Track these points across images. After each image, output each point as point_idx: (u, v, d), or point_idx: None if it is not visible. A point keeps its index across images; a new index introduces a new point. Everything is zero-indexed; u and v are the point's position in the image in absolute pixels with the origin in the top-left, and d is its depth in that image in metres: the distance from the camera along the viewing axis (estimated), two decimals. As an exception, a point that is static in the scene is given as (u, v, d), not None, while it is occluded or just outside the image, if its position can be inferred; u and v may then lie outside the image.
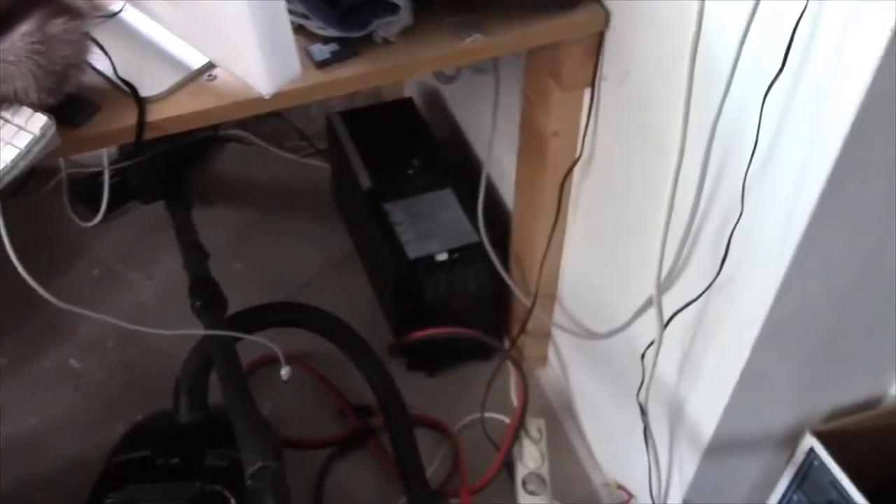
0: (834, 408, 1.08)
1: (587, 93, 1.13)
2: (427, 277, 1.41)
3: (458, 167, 1.59)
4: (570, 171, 1.19)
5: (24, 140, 0.85)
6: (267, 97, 0.85)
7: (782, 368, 0.97)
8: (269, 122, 1.92)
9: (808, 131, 0.75)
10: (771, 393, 1.00)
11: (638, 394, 1.06)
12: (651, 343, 0.98)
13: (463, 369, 1.54)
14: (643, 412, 1.08)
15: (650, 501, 1.22)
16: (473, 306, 1.46)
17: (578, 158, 1.17)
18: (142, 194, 1.79)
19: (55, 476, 1.39)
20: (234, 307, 1.41)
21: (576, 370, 1.43)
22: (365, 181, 1.53)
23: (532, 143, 1.23)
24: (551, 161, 1.20)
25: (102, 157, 1.67)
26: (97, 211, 1.70)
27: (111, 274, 1.69)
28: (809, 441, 1.06)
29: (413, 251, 1.42)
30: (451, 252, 1.42)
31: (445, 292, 1.43)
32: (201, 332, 1.24)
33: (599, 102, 1.11)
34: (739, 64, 0.77)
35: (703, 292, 0.89)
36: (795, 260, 0.82)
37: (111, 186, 1.67)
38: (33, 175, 1.80)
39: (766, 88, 0.75)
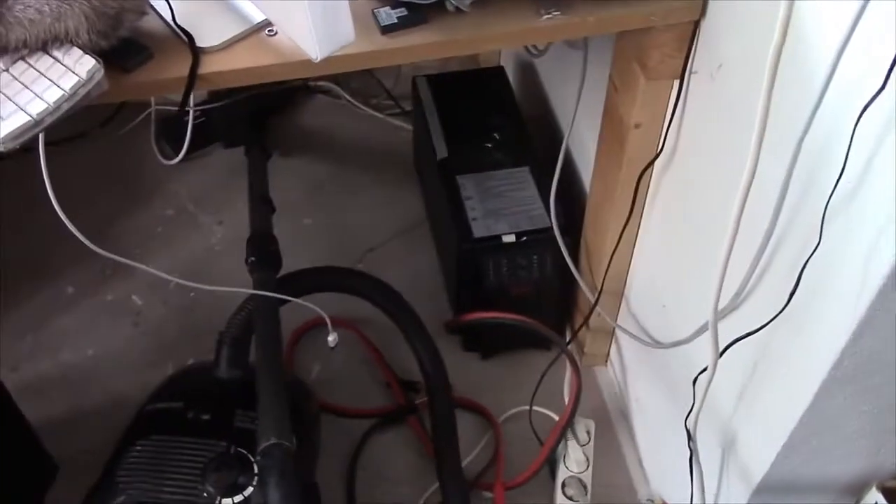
0: (908, 463, 0.98)
1: (675, 85, 1.03)
2: (490, 258, 1.35)
3: (541, 146, 1.52)
4: (648, 166, 1.10)
5: (70, 82, 0.83)
6: (315, 62, 0.80)
7: (851, 416, 0.87)
8: (359, 77, 1.89)
9: (905, 162, 0.65)
10: (837, 440, 0.90)
11: (686, 419, 0.98)
12: (705, 368, 0.90)
13: (519, 356, 1.48)
14: (690, 438, 1.00)
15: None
16: (536, 293, 1.39)
17: (658, 154, 1.08)
18: (224, 137, 1.79)
19: (100, 409, 1.41)
20: (296, 263, 1.39)
21: (634, 375, 1.35)
22: (441, 150, 1.47)
23: (612, 132, 1.15)
24: (629, 154, 1.11)
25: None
26: (179, 150, 1.71)
27: (184, 215, 1.69)
28: (875, 496, 0.96)
29: (479, 229, 1.36)
30: (518, 235, 1.35)
31: (508, 276, 1.36)
32: (249, 291, 1.22)
33: (687, 97, 1.02)
34: (836, 75, 0.68)
35: (767, 324, 0.80)
36: (875, 302, 0.72)
37: (195, 127, 1.68)
38: (123, 107, 1.81)
39: (861, 108, 0.65)
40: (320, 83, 1.87)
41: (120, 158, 1.78)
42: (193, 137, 1.63)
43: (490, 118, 1.52)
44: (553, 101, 1.58)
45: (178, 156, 1.71)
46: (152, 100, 1.80)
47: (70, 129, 1.77)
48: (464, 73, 1.65)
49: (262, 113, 1.78)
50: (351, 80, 1.88)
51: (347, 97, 1.85)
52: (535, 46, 1.44)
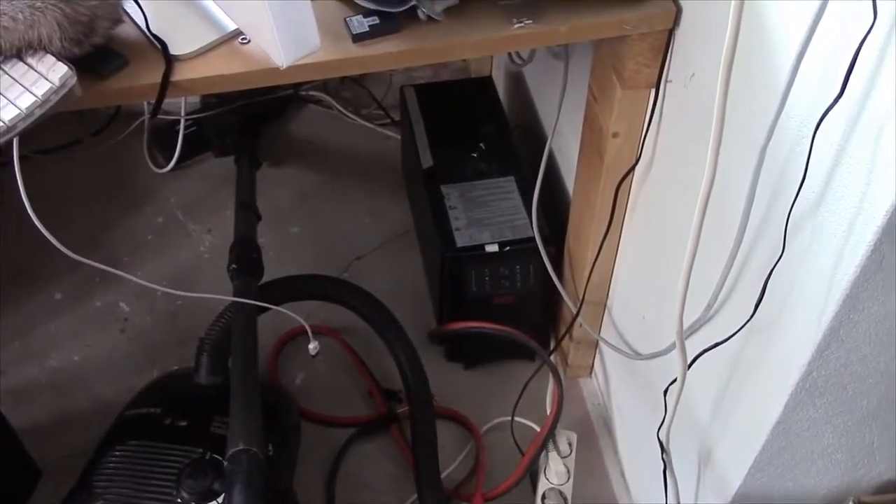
0: (889, 480, 0.97)
1: (651, 94, 1.03)
2: (473, 268, 1.35)
3: (528, 155, 1.52)
4: (625, 176, 1.10)
5: (42, 88, 0.83)
6: (281, 69, 0.80)
7: (825, 430, 0.86)
8: (351, 87, 1.89)
9: (864, 171, 0.65)
10: (811, 454, 0.89)
11: (658, 430, 0.97)
12: (674, 380, 0.89)
13: (503, 367, 1.47)
14: (663, 449, 0.99)
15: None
16: (520, 304, 1.39)
17: (636, 164, 1.08)
18: (216, 146, 1.79)
19: (84, 415, 1.40)
20: (283, 271, 1.40)
21: (617, 387, 1.34)
22: (427, 159, 1.47)
23: (592, 141, 1.15)
24: (608, 163, 1.11)
25: (181, 106, 1.68)
26: (171, 158, 1.71)
27: (174, 223, 1.69)
28: (850, 510, 0.95)
29: (462, 238, 1.35)
30: (502, 244, 1.35)
31: (491, 286, 1.36)
32: (233, 298, 1.22)
33: (663, 106, 1.02)
34: (797, 83, 0.68)
35: (733, 335, 0.80)
36: (839, 314, 0.71)
37: (186, 136, 1.69)
38: (116, 116, 1.82)
39: (820, 115, 0.65)
40: (311, 93, 1.87)
41: (112, 166, 1.78)
42: (185, 146, 1.65)
43: (476, 128, 1.52)
44: (540, 110, 1.58)
45: (169, 164, 1.73)
46: (145, 108, 1.81)
47: (63, 137, 1.78)
48: (452, 83, 1.66)
49: (253, 122, 1.79)
50: (342, 90, 1.88)
51: (338, 107, 1.85)
52: (518, 55, 1.44)
